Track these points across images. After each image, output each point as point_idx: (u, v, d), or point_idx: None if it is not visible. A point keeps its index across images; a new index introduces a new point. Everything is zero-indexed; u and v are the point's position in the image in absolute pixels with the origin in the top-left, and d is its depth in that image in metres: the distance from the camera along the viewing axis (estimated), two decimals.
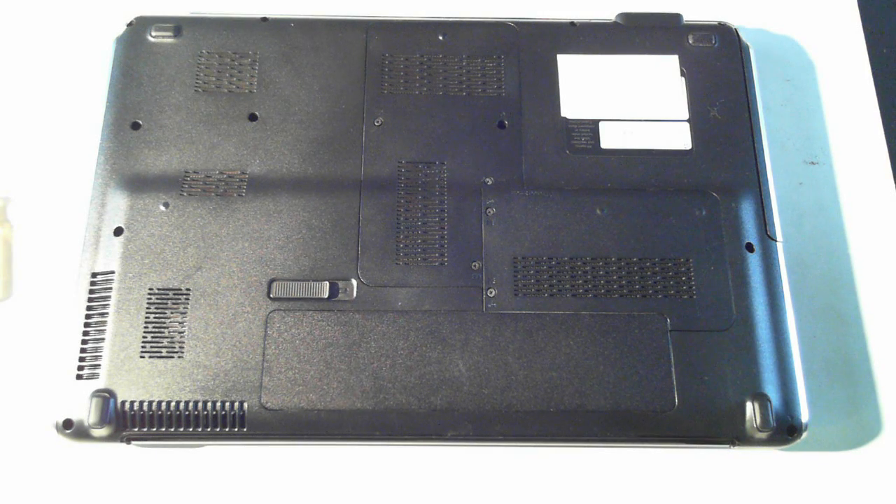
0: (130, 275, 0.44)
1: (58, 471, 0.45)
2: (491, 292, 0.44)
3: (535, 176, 0.47)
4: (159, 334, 0.43)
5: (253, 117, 0.49)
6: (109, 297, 0.44)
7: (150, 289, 0.44)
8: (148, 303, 0.44)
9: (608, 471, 0.45)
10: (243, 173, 0.47)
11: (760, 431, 0.41)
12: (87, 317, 0.43)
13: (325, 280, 0.44)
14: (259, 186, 0.47)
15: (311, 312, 0.44)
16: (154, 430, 0.42)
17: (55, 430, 0.42)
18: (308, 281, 0.44)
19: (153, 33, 0.50)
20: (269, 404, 0.42)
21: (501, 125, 0.49)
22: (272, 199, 0.46)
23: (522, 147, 0.48)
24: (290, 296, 0.44)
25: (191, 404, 0.42)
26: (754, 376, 0.43)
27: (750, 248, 0.45)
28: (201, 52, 0.50)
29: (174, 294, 0.44)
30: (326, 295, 0.44)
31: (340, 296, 0.44)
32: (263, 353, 0.43)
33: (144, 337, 0.43)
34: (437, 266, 0.45)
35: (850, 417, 0.46)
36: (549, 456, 0.45)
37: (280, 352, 0.43)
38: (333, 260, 0.45)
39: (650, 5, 0.54)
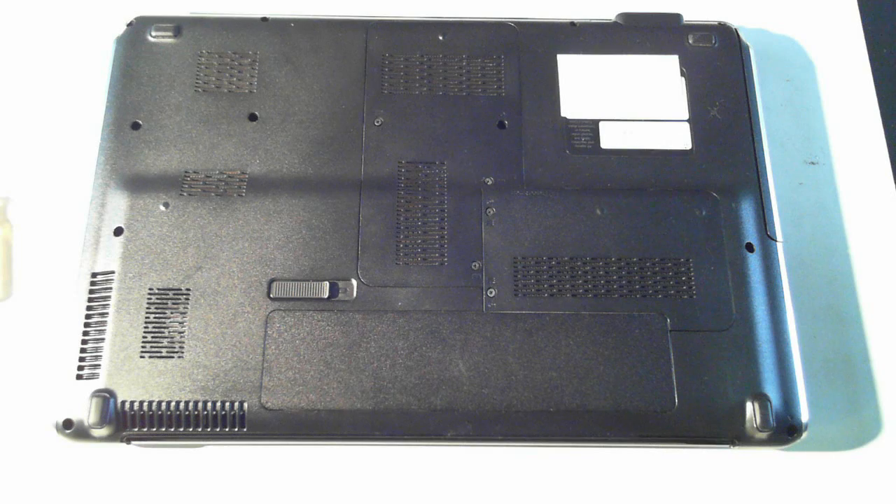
0: (130, 275, 0.44)
1: (58, 471, 0.45)
2: (491, 292, 0.44)
3: (535, 176, 0.47)
4: (159, 334, 0.43)
5: (253, 117, 0.49)
6: (109, 297, 0.44)
7: (150, 289, 0.44)
8: (148, 303, 0.44)
9: (608, 471, 0.45)
10: (243, 173, 0.47)
11: (760, 431, 0.41)
12: (87, 317, 0.43)
13: (325, 280, 0.44)
14: (259, 186, 0.47)
15: (311, 312, 0.44)
16: (154, 430, 0.42)
17: (55, 430, 0.42)
18: (308, 281, 0.44)
19: (153, 33, 0.50)
20: (269, 404, 0.42)
21: (501, 125, 0.49)
22: (272, 199, 0.46)
23: (522, 147, 0.48)
24: (290, 296, 0.44)
25: (191, 404, 0.42)
26: (754, 376, 0.42)
27: (750, 248, 0.45)
28: (201, 52, 0.50)
29: (174, 294, 0.44)
30: (326, 295, 0.44)
31: (340, 296, 0.44)
32: (263, 353, 0.43)
33: (144, 337, 0.43)
34: (437, 266, 0.45)
35: (850, 417, 0.46)
36: (549, 456, 0.45)
37: (280, 352, 0.43)
38: (333, 260, 0.45)
39: (650, 5, 0.54)
